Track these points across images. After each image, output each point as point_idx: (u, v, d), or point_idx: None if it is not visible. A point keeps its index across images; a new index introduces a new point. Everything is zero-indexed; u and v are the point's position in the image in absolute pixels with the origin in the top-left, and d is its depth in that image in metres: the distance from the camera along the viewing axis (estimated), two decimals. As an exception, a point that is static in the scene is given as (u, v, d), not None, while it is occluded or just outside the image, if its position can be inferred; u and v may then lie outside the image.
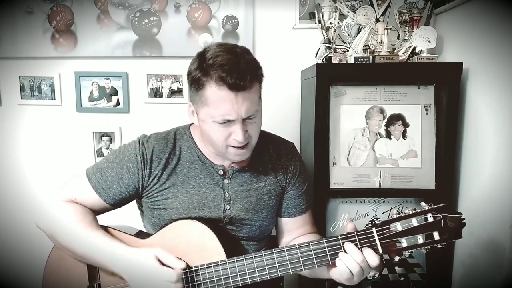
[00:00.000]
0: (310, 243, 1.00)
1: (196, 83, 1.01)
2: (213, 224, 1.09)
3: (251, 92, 1.00)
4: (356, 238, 0.97)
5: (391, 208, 1.49)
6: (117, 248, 1.03)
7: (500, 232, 1.19)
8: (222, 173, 1.15)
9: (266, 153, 1.20)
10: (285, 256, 1.00)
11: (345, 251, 0.97)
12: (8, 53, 1.86)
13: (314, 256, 0.99)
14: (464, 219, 0.95)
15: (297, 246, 1.00)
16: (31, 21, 1.84)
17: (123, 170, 1.11)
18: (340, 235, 0.99)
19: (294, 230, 1.23)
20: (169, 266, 0.99)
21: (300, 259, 1.00)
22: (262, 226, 1.18)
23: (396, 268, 1.51)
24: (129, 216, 1.25)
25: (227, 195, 1.14)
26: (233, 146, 1.05)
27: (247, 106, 0.99)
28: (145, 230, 1.23)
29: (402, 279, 1.50)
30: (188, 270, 1.03)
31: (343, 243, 0.98)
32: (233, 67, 0.96)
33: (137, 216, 1.28)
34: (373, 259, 0.95)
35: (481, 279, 1.31)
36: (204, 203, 1.13)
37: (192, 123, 1.19)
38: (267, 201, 1.18)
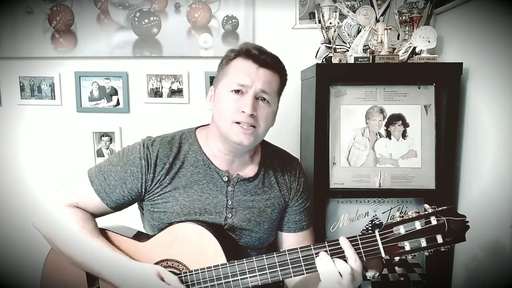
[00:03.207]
0: (312, 247, 0.99)
1: (226, 58, 1.12)
2: (214, 228, 1.08)
3: (272, 75, 1.08)
4: (359, 242, 0.96)
5: (391, 208, 1.49)
6: (118, 260, 1.02)
7: (500, 232, 1.19)
8: (226, 179, 1.13)
9: (271, 166, 1.20)
10: (287, 259, 0.99)
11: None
12: (8, 53, 1.86)
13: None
14: (468, 222, 0.94)
15: (299, 251, 0.99)
16: (31, 21, 1.84)
17: (127, 174, 1.09)
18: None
19: (293, 246, 1.22)
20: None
21: (302, 264, 0.98)
22: (262, 238, 1.17)
23: (396, 268, 1.51)
24: (128, 216, 1.25)
25: (229, 203, 1.13)
26: (239, 124, 1.04)
27: (264, 80, 1.06)
28: (144, 231, 1.22)
29: (402, 279, 1.50)
30: (188, 274, 1.02)
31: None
32: (263, 49, 1.10)
33: (136, 217, 1.27)
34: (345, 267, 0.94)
35: (481, 279, 1.31)
36: (205, 209, 1.11)
37: (198, 127, 1.20)
38: (270, 214, 1.17)
